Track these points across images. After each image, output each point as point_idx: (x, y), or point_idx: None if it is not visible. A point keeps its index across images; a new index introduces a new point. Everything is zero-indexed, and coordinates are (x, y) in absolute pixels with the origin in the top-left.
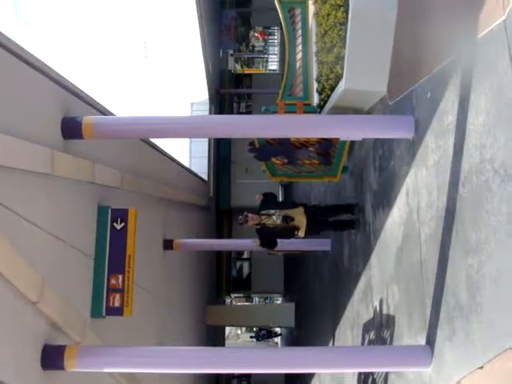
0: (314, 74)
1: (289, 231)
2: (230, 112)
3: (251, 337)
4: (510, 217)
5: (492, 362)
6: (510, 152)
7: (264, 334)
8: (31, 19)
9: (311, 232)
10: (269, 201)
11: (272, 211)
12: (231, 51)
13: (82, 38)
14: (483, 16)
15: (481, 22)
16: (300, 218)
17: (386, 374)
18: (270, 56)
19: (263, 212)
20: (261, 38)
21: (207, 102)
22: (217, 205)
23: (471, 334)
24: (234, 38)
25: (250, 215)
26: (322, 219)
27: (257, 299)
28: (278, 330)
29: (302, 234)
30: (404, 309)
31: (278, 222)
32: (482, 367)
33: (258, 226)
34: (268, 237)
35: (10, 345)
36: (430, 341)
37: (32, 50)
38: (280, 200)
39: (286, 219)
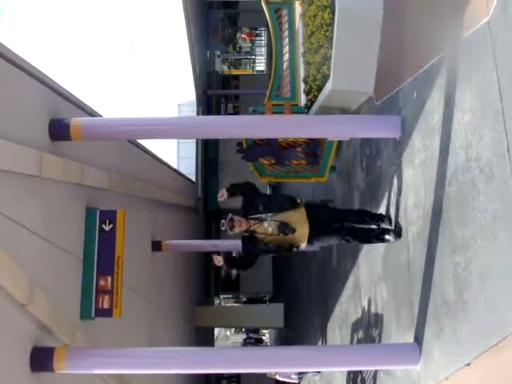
0: (301, 74)
1: (285, 248)
2: (218, 113)
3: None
4: (495, 214)
5: (479, 358)
6: (495, 150)
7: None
8: (15, 20)
9: (319, 241)
10: (252, 196)
11: (263, 215)
12: (218, 52)
13: (68, 39)
14: (468, 16)
15: (466, 21)
16: (301, 229)
17: (375, 372)
18: (257, 57)
19: (253, 216)
20: (248, 39)
21: (195, 103)
22: (205, 206)
23: (458, 331)
24: (221, 39)
25: (237, 218)
26: (334, 227)
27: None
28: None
29: (303, 245)
30: (392, 307)
31: (270, 231)
32: (469, 364)
33: (246, 234)
34: (250, 253)
35: None
36: (418, 338)
37: (17, 51)
38: (268, 193)
39: (284, 229)
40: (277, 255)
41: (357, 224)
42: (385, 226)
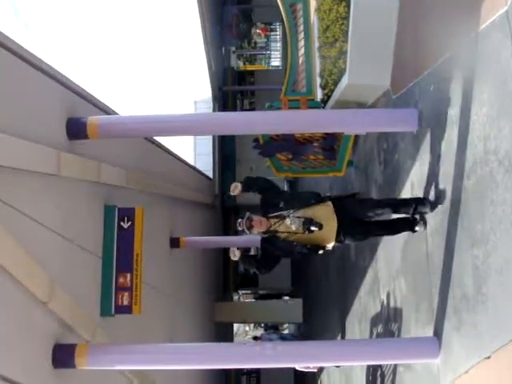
0: (317, 69)
1: (311, 249)
2: (234, 109)
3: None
4: None
5: (499, 351)
6: None
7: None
8: (31, 21)
9: (350, 239)
10: (271, 193)
11: (285, 212)
12: (233, 48)
13: (83, 39)
14: (485, 7)
15: (483, 13)
16: (329, 225)
17: (395, 366)
18: (273, 52)
19: (273, 215)
20: (263, 35)
21: (211, 99)
22: (222, 202)
23: (478, 325)
24: (235, 35)
25: (255, 218)
26: (365, 221)
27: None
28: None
29: (330, 245)
30: (411, 301)
31: (294, 229)
32: (489, 357)
33: (266, 235)
34: (269, 257)
35: (21, 344)
36: (438, 332)
37: (33, 51)
38: (288, 191)
39: (309, 225)
40: (302, 256)
41: (388, 212)
42: (423, 209)
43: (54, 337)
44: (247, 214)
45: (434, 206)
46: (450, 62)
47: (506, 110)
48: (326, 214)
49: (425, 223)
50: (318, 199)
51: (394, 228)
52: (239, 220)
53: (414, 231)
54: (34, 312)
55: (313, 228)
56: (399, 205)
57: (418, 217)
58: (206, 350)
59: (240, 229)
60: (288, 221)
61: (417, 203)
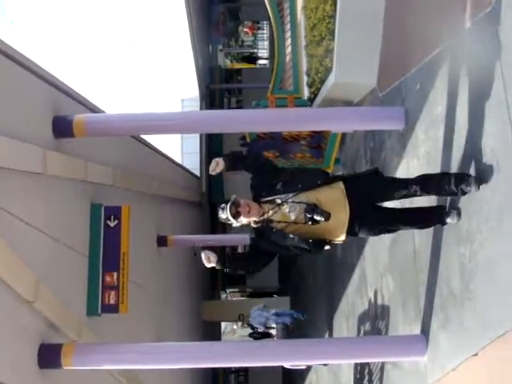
0: (304, 67)
1: (314, 245)
2: (221, 107)
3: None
4: (500, 204)
5: (486, 348)
6: (499, 140)
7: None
8: (17, 18)
9: (366, 232)
10: (267, 172)
11: (282, 196)
12: (221, 47)
13: (70, 36)
14: (472, 5)
15: (468, 11)
16: (339, 214)
17: (382, 364)
18: (260, 50)
19: (267, 199)
20: (250, 33)
21: (198, 98)
22: (210, 200)
23: (465, 322)
24: (223, 33)
25: (243, 202)
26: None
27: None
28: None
29: (340, 239)
30: (398, 299)
31: (293, 218)
32: (476, 354)
33: (258, 225)
34: (262, 252)
35: (6, 344)
36: (425, 330)
37: (19, 49)
38: (289, 168)
39: (313, 214)
40: (302, 253)
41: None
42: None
43: (39, 336)
44: (233, 197)
45: (479, 182)
46: (436, 60)
47: (491, 108)
48: (334, 198)
49: (459, 213)
50: (326, 179)
51: (424, 216)
52: (222, 205)
53: (443, 224)
54: (19, 312)
55: (317, 218)
56: (431, 181)
57: (447, 207)
58: (194, 348)
59: (223, 217)
60: (286, 207)
61: (458, 179)
